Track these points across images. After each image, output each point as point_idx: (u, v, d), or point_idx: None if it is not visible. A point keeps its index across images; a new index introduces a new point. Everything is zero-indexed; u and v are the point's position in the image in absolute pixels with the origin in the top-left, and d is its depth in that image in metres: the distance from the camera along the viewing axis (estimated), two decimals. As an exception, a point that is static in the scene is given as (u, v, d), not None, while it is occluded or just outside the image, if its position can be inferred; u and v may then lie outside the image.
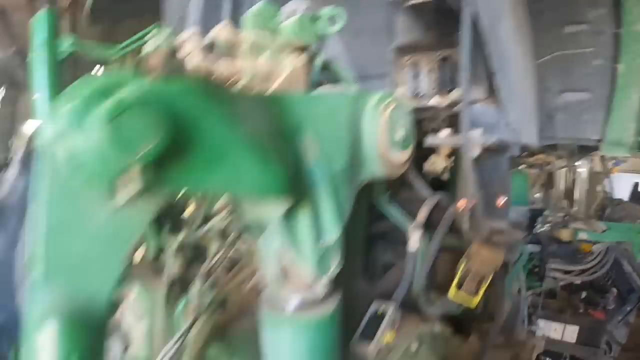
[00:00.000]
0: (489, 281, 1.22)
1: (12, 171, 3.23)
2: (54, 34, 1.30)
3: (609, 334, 3.63)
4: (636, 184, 11.10)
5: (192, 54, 0.99)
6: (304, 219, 0.84)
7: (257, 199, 0.78)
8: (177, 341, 0.99)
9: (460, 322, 1.75)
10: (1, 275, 3.14)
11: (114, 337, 1.25)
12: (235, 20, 2.82)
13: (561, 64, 2.95)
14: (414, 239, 1.53)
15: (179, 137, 0.54)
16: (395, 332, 1.42)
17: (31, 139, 3.21)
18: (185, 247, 1.23)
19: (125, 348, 1.25)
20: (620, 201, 5.63)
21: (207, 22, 2.75)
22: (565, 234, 3.55)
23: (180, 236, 1.22)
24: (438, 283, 1.69)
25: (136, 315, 1.21)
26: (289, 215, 0.82)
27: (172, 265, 1.21)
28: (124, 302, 1.26)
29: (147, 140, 0.52)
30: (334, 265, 0.90)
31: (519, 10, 2.13)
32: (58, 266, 0.55)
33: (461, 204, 1.55)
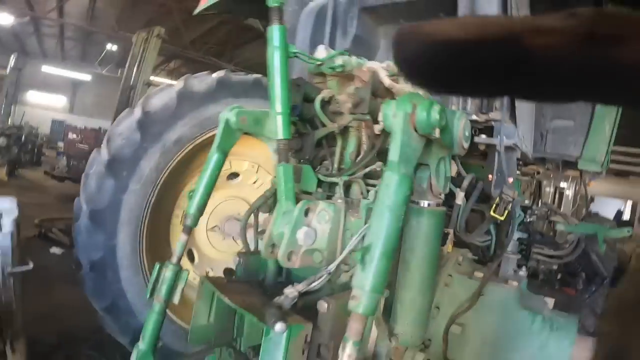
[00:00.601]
0: (509, 208, 2.31)
1: (126, 126, 3.56)
2: (285, 43, 1.87)
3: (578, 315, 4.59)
4: (619, 210, 12.68)
5: (384, 79, 2.02)
6: (442, 164, 1.94)
7: (437, 151, 1.87)
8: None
9: (480, 259, 2.85)
10: (107, 216, 3.56)
11: (307, 232, 2.20)
12: (333, 38, 3.67)
13: (553, 99, 4.03)
14: (460, 197, 2.61)
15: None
16: (452, 247, 2.51)
17: (145, 104, 3.56)
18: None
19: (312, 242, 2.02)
20: (596, 214, 6.69)
21: (313, 40, 3.57)
22: (546, 225, 4.62)
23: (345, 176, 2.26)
24: (469, 229, 2.78)
25: (322, 220, 2.21)
26: (438, 162, 1.92)
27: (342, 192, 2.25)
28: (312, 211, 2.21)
29: (443, 120, 1.60)
30: (447, 186, 1.99)
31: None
32: (403, 159, 1.56)
33: (489, 178, 2.65)
